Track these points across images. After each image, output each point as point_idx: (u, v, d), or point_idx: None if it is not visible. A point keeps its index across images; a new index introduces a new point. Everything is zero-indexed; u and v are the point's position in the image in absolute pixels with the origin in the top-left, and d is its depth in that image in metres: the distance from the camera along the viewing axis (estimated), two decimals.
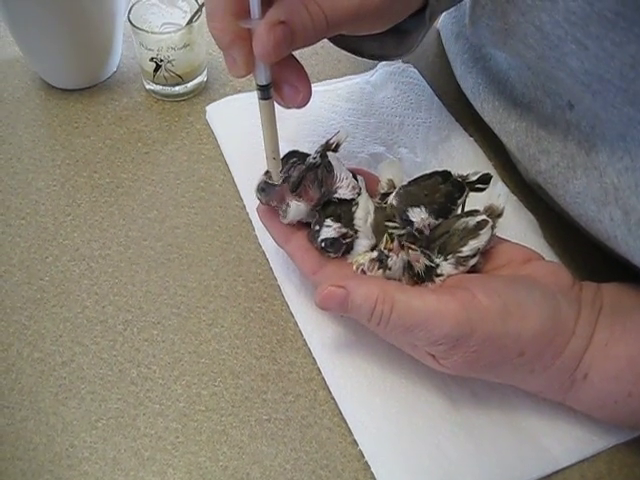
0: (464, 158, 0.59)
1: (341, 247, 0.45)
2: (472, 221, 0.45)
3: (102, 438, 0.45)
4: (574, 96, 0.46)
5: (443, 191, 0.47)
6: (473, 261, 0.44)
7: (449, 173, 0.49)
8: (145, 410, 0.46)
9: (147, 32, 0.58)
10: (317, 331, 0.49)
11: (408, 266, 0.45)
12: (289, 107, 0.42)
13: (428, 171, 0.48)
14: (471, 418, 0.45)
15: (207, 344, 0.49)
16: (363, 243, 0.45)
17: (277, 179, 0.44)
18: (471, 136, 0.61)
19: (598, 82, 0.41)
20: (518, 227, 0.55)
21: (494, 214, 0.46)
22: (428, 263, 0.44)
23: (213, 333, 0.50)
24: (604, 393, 0.42)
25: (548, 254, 0.53)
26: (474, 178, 0.49)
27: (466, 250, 0.44)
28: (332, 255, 0.46)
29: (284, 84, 0.40)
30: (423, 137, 0.60)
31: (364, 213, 0.45)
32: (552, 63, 0.45)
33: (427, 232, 0.45)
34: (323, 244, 0.45)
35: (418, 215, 0.45)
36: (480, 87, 0.57)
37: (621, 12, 0.37)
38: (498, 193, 0.47)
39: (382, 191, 0.48)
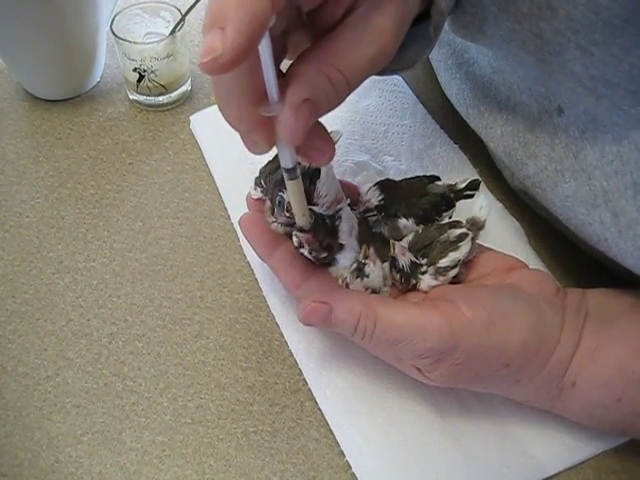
0: (449, 165, 0.59)
1: (281, 214, 0.45)
2: (453, 233, 0.45)
3: (88, 453, 0.45)
4: (567, 100, 0.46)
5: (430, 199, 0.48)
6: (453, 272, 0.44)
7: (438, 177, 0.49)
8: (131, 424, 0.46)
9: (130, 42, 0.58)
10: (303, 342, 0.49)
11: (392, 264, 0.45)
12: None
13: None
14: (458, 427, 0.45)
15: (192, 356, 0.49)
16: (348, 256, 0.45)
17: (307, 226, 0.43)
18: (456, 143, 0.61)
19: (605, 86, 0.41)
20: (504, 234, 0.55)
21: (476, 226, 0.47)
22: (413, 259, 0.44)
23: (198, 345, 0.49)
24: (593, 400, 0.42)
25: (534, 261, 0.53)
26: (462, 185, 0.49)
27: (445, 261, 0.44)
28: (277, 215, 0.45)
29: (308, 149, 0.37)
30: (408, 145, 0.60)
31: (348, 226, 0.45)
32: (554, 68, 0.44)
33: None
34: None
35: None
36: (465, 93, 0.57)
37: (630, 19, 0.37)
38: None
39: (366, 204, 0.48)
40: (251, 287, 0.53)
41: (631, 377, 0.41)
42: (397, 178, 0.50)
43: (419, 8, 0.43)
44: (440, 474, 0.43)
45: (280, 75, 0.34)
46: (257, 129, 0.34)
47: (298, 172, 0.39)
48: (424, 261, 0.44)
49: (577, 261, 0.53)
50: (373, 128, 0.61)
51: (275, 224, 0.46)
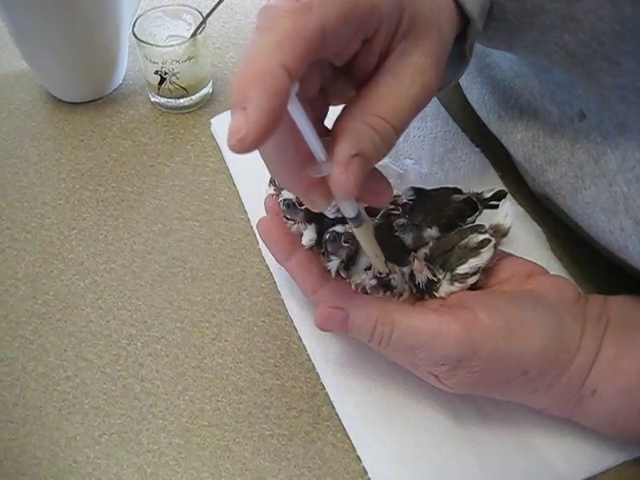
0: (471, 169, 0.58)
1: (339, 248, 0.43)
2: (475, 239, 0.44)
3: (105, 454, 0.45)
4: (590, 105, 0.46)
5: (454, 206, 0.47)
6: (473, 279, 0.44)
7: (460, 190, 0.49)
8: (148, 425, 0.46)
9: (151, 45, 0.58)
10: (321, 346, 0.48)
11: (410, 277, 0.45)
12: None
13: (438, 186, 0.48)
14: (476, 434, 0.45)
15: (210, 359, 0.49)
16: (364, 261, 0.44)
17: (385, 271, 0.43)
18: (478, 147, 0.60)
19: (634, 94, 0.41)
20: (525, 239, 0.54)
21: (499, 233, 0.46)
22: (430, 276, 0.44)
23: (217, 347, 0.50)
24: (614, 408, 0.41)
25: (555, 266, 0.52)
26: (488, 195, 0.49)
27: (464, 268, 0.43)
28: (332, 256, 0.44)
29: (366, 194, 0.36)
30: (429, 148, 0.60)
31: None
32: (581, 77, 0.44)
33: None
34: (326, 244, 0.44)
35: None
36: (485, 97, 0.57)
37: None
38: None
39: (395, 199, 0.47)
40: (270, 290, 0.52)
41: None
42: (418, 181, 0.50)
43: (455, 32, 0.42)
44: None
45: (325, 132, 0.34)
46: (312, 190, 0.34)
47: (362, 217, 0.38)
48: (441, 276, 0.44)
49: (599, 267, 0.52)
50: None
51: (293, 224, 0.46)
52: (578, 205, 0.48)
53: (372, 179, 0.36)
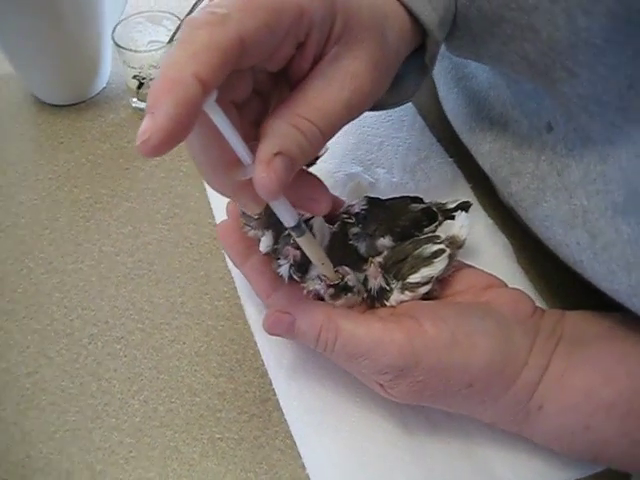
0: (442, 179, 0.58)
1: (287, 251, 0.44)
2: (429, 249, 0.44)
3: (58, 450, 0.46)
4: (558, 116, 0.45)
5: (410, 216, 0.47)
6: (425, 289, 0.44)
7: (420, 199, 0.49)
8: (102, 424, 0.47)
9: (129, 50, 0.59)
10: (275, 352, 0.49)
11: (363, 284, 0.45)
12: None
13: (398, 195, 0.49)
14: (425, 444, 0.45)
15: (168, 360, 0.50)
16: (316, 268, 0.45)
17: (334, 277, 0.43)
18: (451, 157, 0.60)
19: (595, 104, 0.41)
20: (492, 251, 0.54)
21: (455, 245, 0.46)
22: (383, 285, 0.44)
23: (174, 350, 0.50)
24: (560, 425, 0.41)
25: (521, 279, 0.52)
26: (452, 206, 0.49)
27: (416, 277, 0.43)
28: (281, 261, 0.44)
29: (301, 200, 0.37)
30: (402, 157, 0.60)
31: (319, 236, 0.45)
32: (543, 87, 0.44)
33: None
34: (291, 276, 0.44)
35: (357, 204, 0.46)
36: (459, 108, 0.57)
37: (611, 38, 0.36)
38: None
39: (347, 208, 0.48)
40: (231, 295, 0.53)
41: (599, 403, 0.39)
42: (388, 190, 0.50)
43: (413, 42, 0.43)
44: None
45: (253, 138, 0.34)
46: (240, 193, 0.34)
47: (303, 227, 0.38)
48: (394, 285, 0.44)
49: (565, 281, 0.52)
50: (368, 140, 0.61)
51: (250, 229, 0.46)
52: (538, 218, 0.48)
53: (308, 185, 0.37)
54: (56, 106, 0.67)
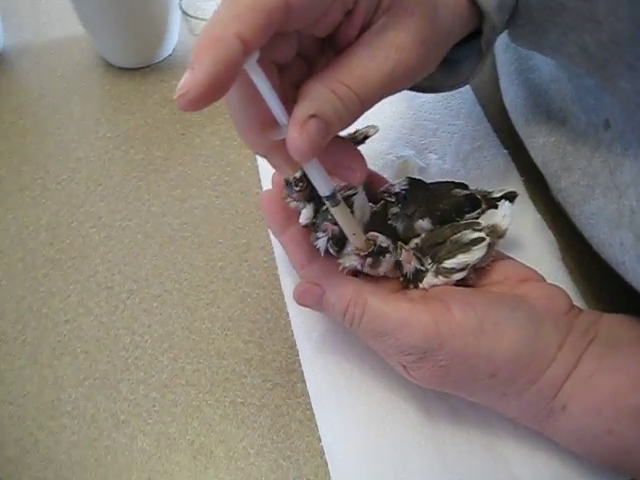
0: (494, 170, 0.57)
1: (325, 225, 0.44)
2: (468, 235, 0.43)
3: (86, 396, 0.47)
4: (616, 114, 0.44)
5: (452, 201, 0.46)
6: (459, 275, 0.43)
7: (466, 185, 0.48)
8: (130, 376, 0.48)
9: (195, 18, 0.60)
10: (306, 324, 0.49)
11: (398, 265, 0.44)
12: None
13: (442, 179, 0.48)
14: (444, 432, 0.44)
15: (200, 322, 0.50)
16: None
17: (365, 247, 0.42)
18: (506, 149, 0.59)
19: None
20: (538, 247, 0.52)
21: (495, 234, 0.45)
22: (418, 266, 0.43)
23: (208, 312, 0.51)
24: (583, 427, 0.39)
25: (563, 278, 0.50)
26: (497, 195, 0.48)
27: (451, 263, 0.43)
28: (319, 233, 0.44)
29: (337, 168, 0.37)
30: (456, 145, 0.59)
31: (360, 213, 0.45)
32: (600, 81, 0.43)
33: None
34: (327, 249, 0.44)
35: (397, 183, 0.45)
36: (518, 100, 0.56)
37: None
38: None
39: (388, 188, 0.47)
40: (270, 265, 0.53)
41: (625, 409, 0.38)
42: (438, 176, 0.49)
43: (470, 24, 0.42)
44: (413, 477, 0.42)
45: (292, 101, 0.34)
46: (274, 152, 0.35)
47: (338, 197, 0.38)
48: (429, 266, 0.43)
49: (610, 285, 0.50)
50: (424, 125, 0.60)
51: (292, 201, 0.46)
52: (584, 215, 0.46)
53: (345, 154, 0.37)
54: (122, 69, 0.69)
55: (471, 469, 0.43)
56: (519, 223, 0.53)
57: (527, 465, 0.43)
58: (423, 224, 0.45)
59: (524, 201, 0.55)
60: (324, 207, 0.44)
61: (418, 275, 0.44)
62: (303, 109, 0.31)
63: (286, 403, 0.46)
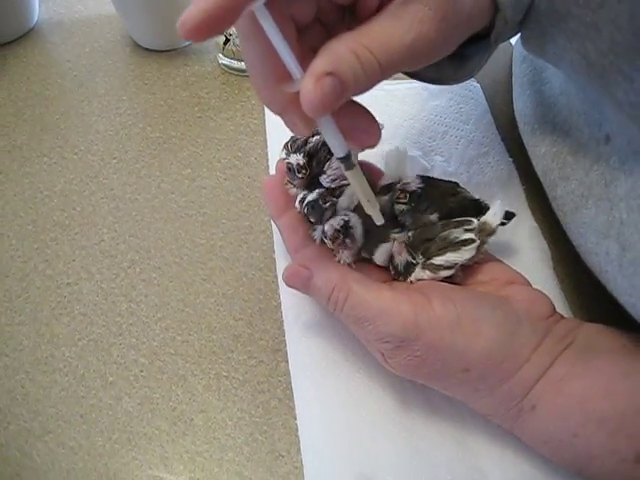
0: (496, 177, 0.58)
1: (321, 211, 0.45)
2: (459, 235, 0.45)
3: (78, 355, 0.49)
4: (615, 128, 0.45)
5: (459, 199, 0.48)
6: (446, 272, 0.44)
7: (463, 188, 0.49)
8: (122, 341, 0.50)
9: None
10: (296, 307, 0.50)
11: (390, 258, 0.45)
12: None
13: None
14: (418, 422, 0.45)
15: (195, 296, 0.52)
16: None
17: (379, 217, 0.42)
18: (511, 157, 0.60)
19: None
20: (530, 254, 0.53)
21: (485, 231, 0.45)
22: (409, 259, 0.44)
23: (204, 288, 0.53)
24: (550, 429, 0.40)
25: (552, 286, 0.51)
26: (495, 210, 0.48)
27: (440, 260, 0.44)
28: (313, 221, 0.46)
29: (353, 131, 0.37)
30: (462, 149, 0.60)
31: (347, 202, 0.46)
32: (599, 91, 0.44)
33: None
34: (306, 209, 0.45)
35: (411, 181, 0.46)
36: (527, 109, 0.57)
37: None
38: (494, 212, 0.46)
39: (384, 183, 0.48)
40: (268, 249, 0.55)
41: (592, 415, 0.39)
42: (441, 177, 0.50)
43: (487, 15, 0.43)
44: (381, 463, 0.43)
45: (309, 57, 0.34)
46: (289, 110, 0.35)
47: (353, 160, 0.38)
48: (420, 259, 0.45)
49: (599, 299, 0.50)
50: (433, 127, 0.61)
51: (292, 187, 0.48)
52: (575, 224, 0.47)
53: (359, 116, 0.37)
54: (148, 50, 0.72)
55: (440, 460, 0.44)
56: (515, 229, 0.54)
57: (496, 462, 0.44)
58: (432, 218, 0.46)
59: (523, 208, 0.56)
60: (317, 195, 0.45)
61: (409, 268, 0.45)
62: (321, 64, 0.31)
63: (268, 380, 0.48)
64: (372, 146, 0.38)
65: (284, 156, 0.49)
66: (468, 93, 0.64)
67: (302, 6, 0.34)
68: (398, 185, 0.47)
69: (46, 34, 0.74)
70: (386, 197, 0.47)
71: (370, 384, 0.47)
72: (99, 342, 0.50)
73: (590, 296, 0.52)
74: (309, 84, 0.31)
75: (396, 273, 0.45)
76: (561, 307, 0.50)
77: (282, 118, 0.37)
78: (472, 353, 0.40)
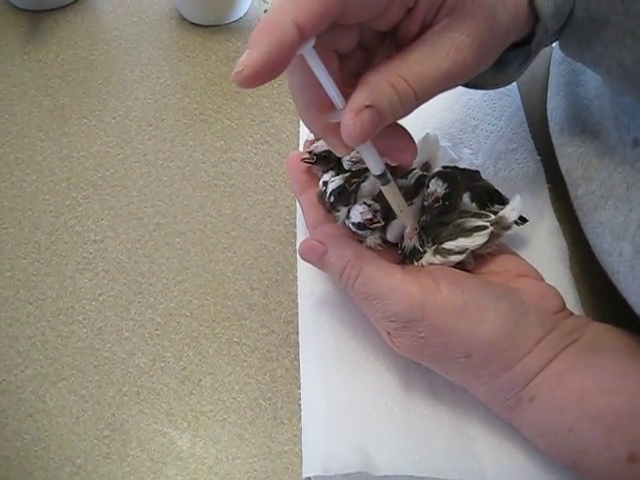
0: (522, 173, 0.58)
1: (348, 196, 0.46)
2: (472, 222, 0.45)
3: (97, 309, 0.51)
4: None
5: (485, 184, 0.48)
6: (456, 258, 0.44)
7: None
8: (141, 299, 0.51)
9: None
10: (312, 281, 0.51)
11: (400, 241, 0.46)
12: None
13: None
14: (418, 404, 0.45)
15: (215, 263, 0.54)
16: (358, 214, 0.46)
17: (413, 224, 0.45)
18: (539, 155, 0.60)
19: None
20: (548, 251, 0.53)
21: (501, 225, 0.46)
22: (417, 246, 0.45)
23: (224, 256, 0.54)
24: (546, 421, 0.40)
25: (567, 285, 0.51)
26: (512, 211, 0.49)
27: (451, 244, 0.44)
28: (342, 208, 0.47)
29: (389, 150, 0.39)
30: (491, 144, 0.60)
31: (370, 188, 0.47)
32: (633, 98, 0.44)
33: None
34: (332, 198, 0.47)
35: (434, 185, 0.46)
36: (559, 109, 0.57)
37: None
38: (513, 207, 0.47)
39: (434, 196, 0.47)
40: (290, 224, 0.56)
41: (589, 410, 0.39)
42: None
43: (526, 27, 0.43)
44: (379, 439, 0.44)
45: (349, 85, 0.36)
46: (329, 133, 0.37)
47: (388, 176, 0.40)
48: (428, 247, 0.45)
49: (614, 302, 0.50)
50: (465, 121, 0.62)
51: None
52: (592, 223, 0.47)
53: (396, 136, 0.39)
54: (193, 24, 0.73)
55: (437, 443, 0.44)
56: (536, 226, 0.54)
57: (492, 451, 0.44)
58: (464, 199, 0.47)
59: (546, 207, 0.56)
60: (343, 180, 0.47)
61: (415, 254, 0.45)
62: (360, 98, 0.33)
63: (277, 350, 0.49)
64: (408, 164, 0.39)
65: (313, 138, 0.50)
66: (503, 89, 0.64)
67: (345, 38, 0.36)
68: (429, 197, 0.47)
69: (97, 2, 0.76)
70: (405, 180, 0.48)
71: (375, 363, 0.47)
72: (119, 299, 0.52)
73: (604, 297, 0.52)
74: (349, 119, 0.33)
75: (402, 255, 0.46)
76: (574, 306, 0.50)
77: (322, 139, 0.39)
78: (475, 339, 0.40)
